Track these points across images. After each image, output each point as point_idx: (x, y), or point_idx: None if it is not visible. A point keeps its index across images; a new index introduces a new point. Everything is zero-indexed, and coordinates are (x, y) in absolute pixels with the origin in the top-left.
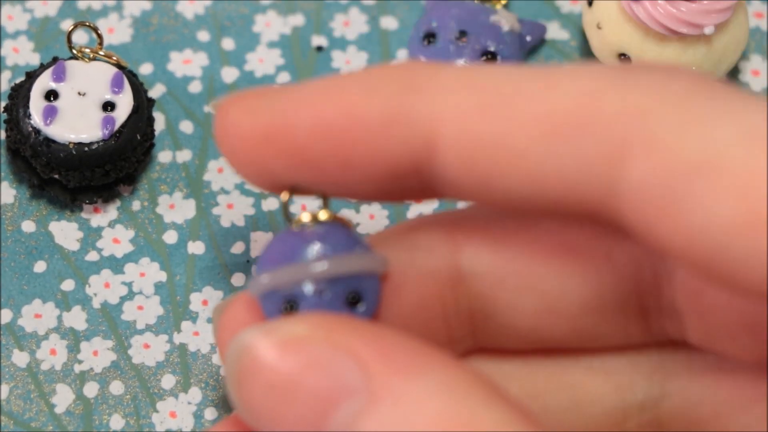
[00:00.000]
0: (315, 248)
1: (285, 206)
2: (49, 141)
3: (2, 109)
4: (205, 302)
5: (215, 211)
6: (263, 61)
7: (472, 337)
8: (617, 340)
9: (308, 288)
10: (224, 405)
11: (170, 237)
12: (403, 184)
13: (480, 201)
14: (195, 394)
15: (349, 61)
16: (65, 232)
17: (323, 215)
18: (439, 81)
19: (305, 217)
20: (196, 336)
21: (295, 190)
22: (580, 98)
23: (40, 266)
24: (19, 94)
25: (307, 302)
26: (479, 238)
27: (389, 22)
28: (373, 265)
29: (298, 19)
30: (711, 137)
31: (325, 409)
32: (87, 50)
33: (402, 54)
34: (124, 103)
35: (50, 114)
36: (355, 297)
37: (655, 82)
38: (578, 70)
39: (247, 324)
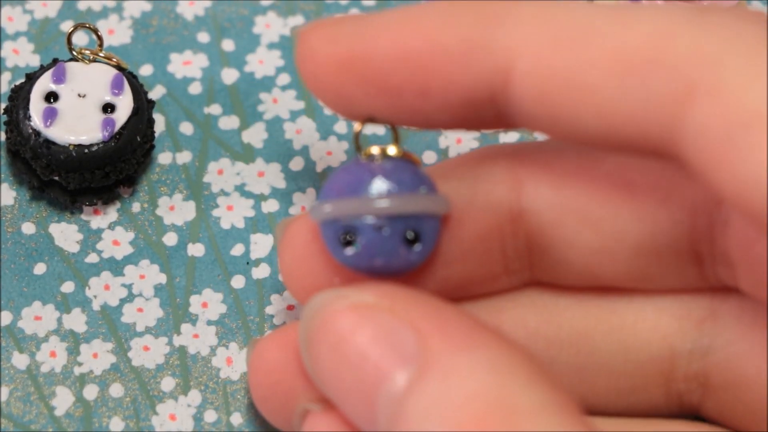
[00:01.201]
0: (380, 183)
1: (357, 135)
2: (49, 143)
3: (2, 111)
4: (204, 304)
5: (215, 213)
6: (263, 62)
7: (529, 270)
8: (671, 282)
9: (368, 222)
10: (224, 407)
11: (170, 239)
12: (478, 113)
13: (551, 134)
14: (195, 396)
15: None
16: (65, 234)
17: (392, 150)
18: (517, 13)
19: (375, 150)
20: (196, 338)
21: (371, 119)
22: (653, 37)
23: (39, 268)
24: (19, 96)
25: (366, 236)
26: (540, 174)
27: None
28: (435, 207)
29: (297, 21)
30: None
31: (380, 377)
32: (87, 52)
33: None
34: (124, 105)
35: (50, 116)
36: (414, 236)
37: (727, 26)
38: (654, 8)
39: (307, 244)
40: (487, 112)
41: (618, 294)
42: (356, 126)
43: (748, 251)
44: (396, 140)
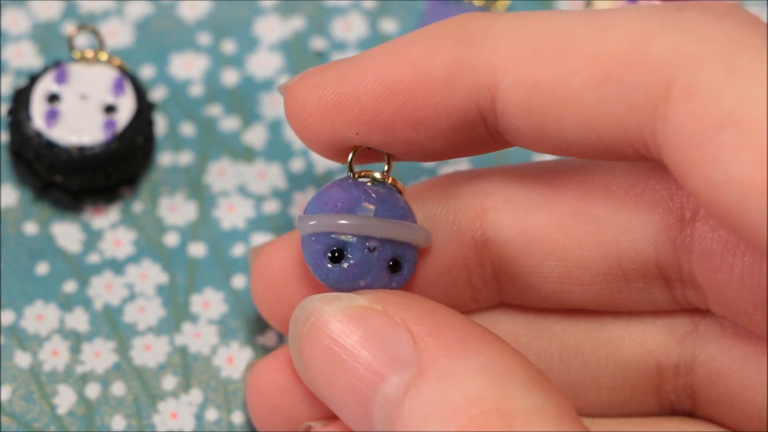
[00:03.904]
0: (377, 205)
1: (351, 161)
2: (51, 144)
3: (5, 112)
4: (205, 304)
5: (216, 213)
6: (264, 64)
7: (498, 296)
8: (642, 306)
9: (363, 242)
10: (225, 406)
11: (171, 239)
12: (470, 135)
13: (539, 147)
14: (196, 395)
15: None
16: (67, 234)
17: (376, 174)
18: (496, 30)
19: (365, 173)
20: (197, 338)
21: (364, 150)
22: (630, 41)
23: (42, 268)
24: (22, 98)
25: (357, 254)
26: (504, 205)
27: (389, 26)
28: (422, 239)
29: (298, 23)
30: (744, 92)
31: (376, 381)
32: (89, 53)
33: None
34: (126, 106)
35: (52, 117)
36: (396, 264)
37: (704, 24)
38: (629, 12)
39: (281, 267)
40: (478, 133)
41: (603, 313)
42: (351, 152)
43: (714, 277)
44: (389, 167)
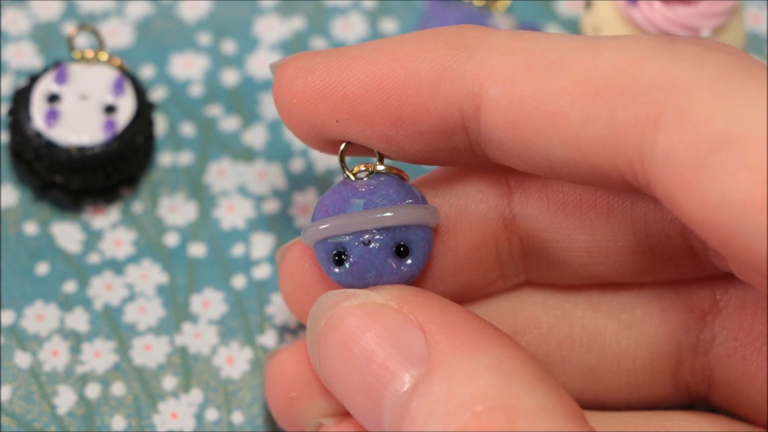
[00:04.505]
0: (363, 199)
1: (342, 156)
2: (51, 144)
3: (5, 112)
4: (205, 304)
5: (216, 213)
6: (264, 64)
7: (525, 273)
8: (669, 274)
9: (355, 238)
10: (225, 406)
11: (171, 239)
12: (450, 142)
13: (520, 164)
14: (196, 395)
15: None
16: (67, 234)
17: (379, 167)
18: (489, 42)
19: (361, 168)
20: (197, 338)
21: (351, 144)
22: (622, 65)
23: (42, 268)
24: (22, 98)
25: (354, 252)
26: (530, 181)
27: (389, 26)
28: (421, 217)
29: (298, 23)
30: (738, 114)
31: (387, 378)
32: (89, 54)
33: None
34: (126, 106)
35: (52, 117)
36: (403, 249)
37: (695, 55)
38: (623, 39)
39: (306, 267)
40: (458, 142)
41: (624, 288)
42: (341, 147)
43: None
44: (381, 158)
